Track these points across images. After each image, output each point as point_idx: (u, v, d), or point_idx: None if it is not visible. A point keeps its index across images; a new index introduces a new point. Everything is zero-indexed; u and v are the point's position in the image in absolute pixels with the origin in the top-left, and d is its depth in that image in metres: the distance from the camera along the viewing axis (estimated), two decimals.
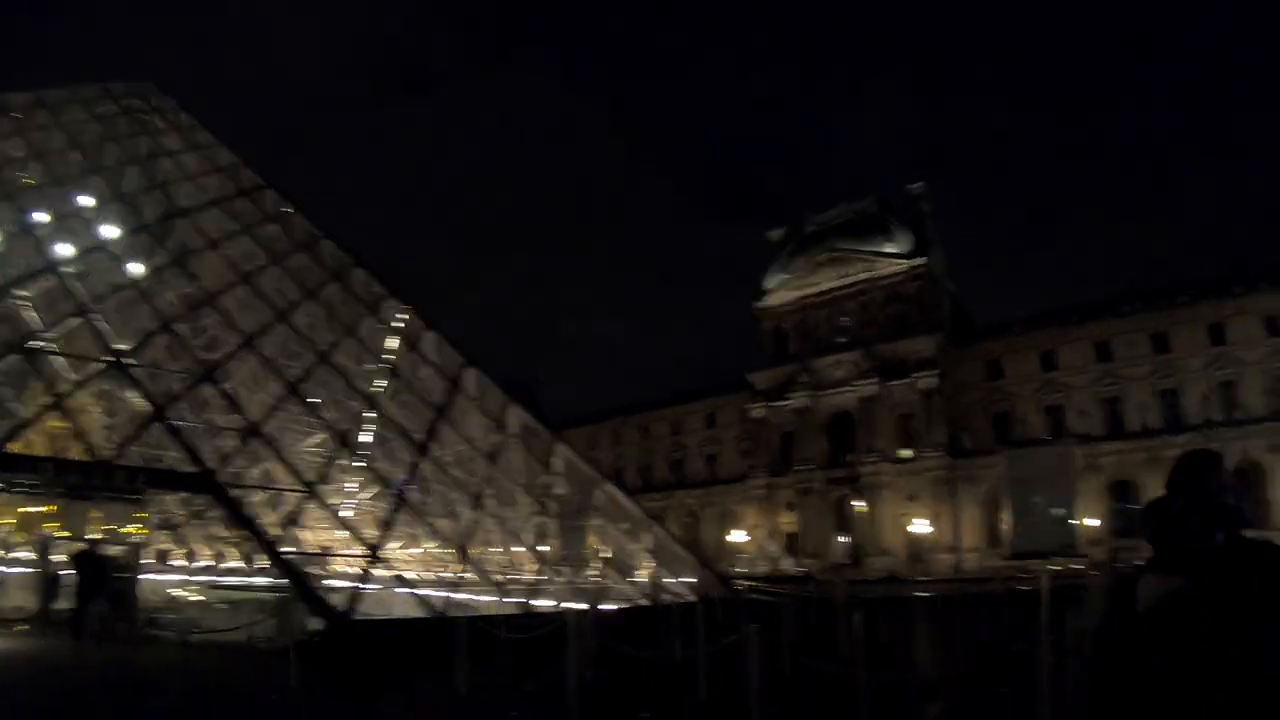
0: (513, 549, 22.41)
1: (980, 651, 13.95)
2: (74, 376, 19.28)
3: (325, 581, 18.08)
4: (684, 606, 18.27)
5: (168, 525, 25.07)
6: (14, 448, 16.50)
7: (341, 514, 20.01)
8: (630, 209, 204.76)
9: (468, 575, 19.04)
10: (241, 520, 17.74)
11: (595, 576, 22.83)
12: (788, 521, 64.67)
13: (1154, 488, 49.73)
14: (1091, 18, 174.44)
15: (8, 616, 18.01)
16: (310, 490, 18.50)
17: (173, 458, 18.25)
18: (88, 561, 16.28)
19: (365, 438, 22.83)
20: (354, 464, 21.55)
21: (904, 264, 63.54)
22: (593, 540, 25.14)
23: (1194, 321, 52.21)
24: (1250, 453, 46.66)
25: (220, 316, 22.55)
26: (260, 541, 17.24)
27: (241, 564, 23.64)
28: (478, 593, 18.84)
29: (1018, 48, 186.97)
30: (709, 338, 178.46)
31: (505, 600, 18.39)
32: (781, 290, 69.10)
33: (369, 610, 15.60)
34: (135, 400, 18.79)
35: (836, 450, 63.58)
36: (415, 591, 17.03)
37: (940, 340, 60.84)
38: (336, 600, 15.53)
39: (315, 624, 14.83)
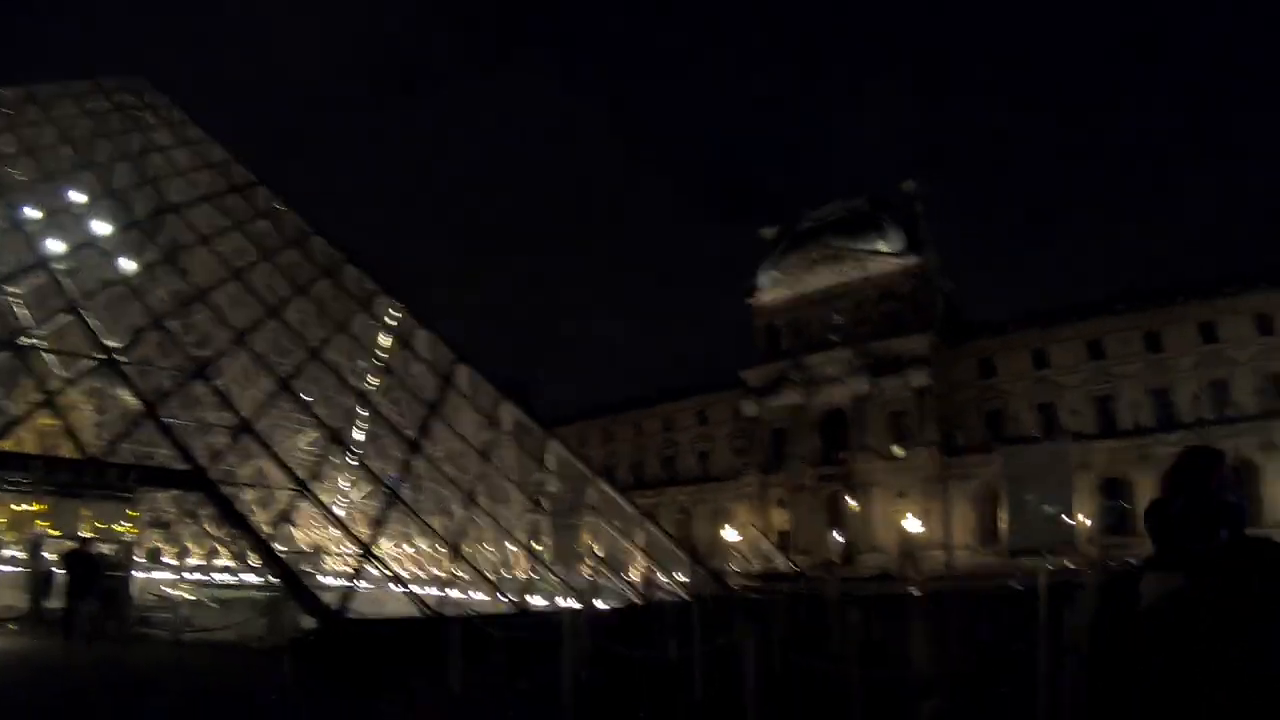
0: (506, 546, 22.38)
1: (974, 649, 13.96)
2: (65, 373, 19.17)
3: (318, 580, 18.05)
4: (678, 605, 18.27)
5: (159, 523, 24.98)
6: (4, 445, 16.39)
7: (334, 512, 19.96)
8: (630, 209, 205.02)
9: (461, 573, 19.00)
10: (233, 518, 17.66)
11: (588, 574, 22.80)
12: (780, 519, 64.73)
13: (1145, 485, 50.17)
14: (1091, 18, 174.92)
15: None
16: (302, 488, 18.43)
17: (164, 455, 18.15)
18: (78, 560, 16.19)
19: (357, 435, 22.79)
20: (346, 461, 21.49)
21: (897, 262, 63.60)
22: (586, 538, 25.12)
23: (1186, 320, 52.37)
24: (1242, 451, 46.78)
25: (212, 313, 22.46)
26: (252, 539, 17.16)
27: (233, 562, 23.57)
28: (471, 591, 18.81)
29: (1018, 48, 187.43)
30: (709, 338, 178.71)
31: (499, 598, 18.36)
32: (774, 287, 69.11)
33: (362, 609, 15.54)
34: (126, 397, 18.69)
35: (829, 447, 63.63)
36: (408, 590, 16.99)
37: (933, 338, 60.89)
38: (329, 599, 15.48)
39: (308, 623, 14.77)
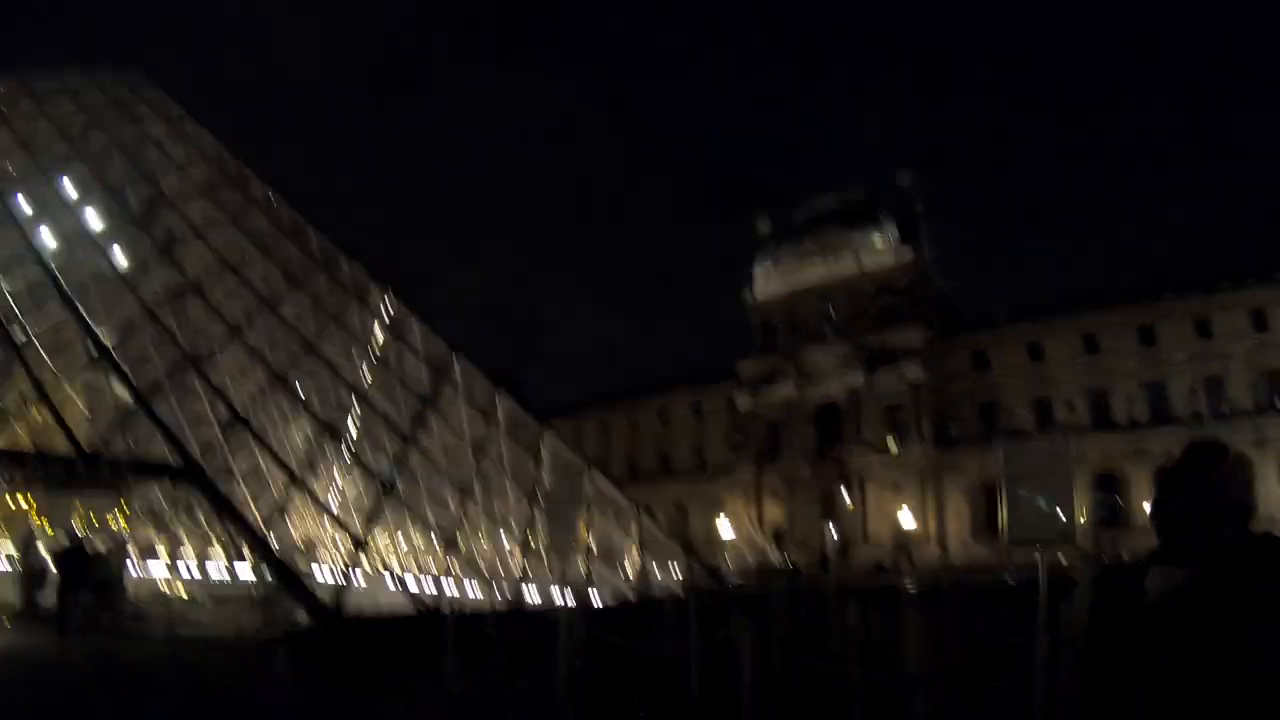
0: (501, 540, 22.35)
1: (972, 644, 13.96)
2: (58, 367, 19.07)
3: (313, 574, 18.01)
4: (674, 599, 18.25)
5: (153, 517, 24.89)
6: None
7: (328, 506, 19.91)
8: (629, 208, 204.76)
9: (455, 567, 18.98)
10: (228, 512, 17.60)
11: (584, 568, 22.79)
12: (775, 513, 64.79)
13: (1140, 480, 50.33)
14: (1091, 18, 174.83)
15: None
16: (297, 482, 18.38)
17: (158, 450, 18.08)
18: (72, 555, 16.12)
19: (352, 428, 22.72)
20: (341, 455, 21.44)
21: (892, 255, 63.65)
22: (581, 531, 25.09)
23: (1181, 315, 52.51)
24: (1236, 446, 46.84)
25: (206, 306, 22.35)
26: (247, 534, 17.11)
27: (227, 557, 23.51)
28: (466, 585, 18.79)
29: (1018, 48, 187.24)
30: (708, 337, 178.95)
31: (493, 593, 18.34)
32: (769, 280, 69.10)
33: (357, 603, 15.51)
34: (120, 391, 18.60)
35: (823, 441, 63.69)
36: (403, 584, 16.97)
37: (928, 331, 60.96)
38: (324, 594, 15.45)
39: (302, 617, 14.74)
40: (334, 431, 21.25)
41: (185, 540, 26.97)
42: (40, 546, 19.04)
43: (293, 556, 18.08)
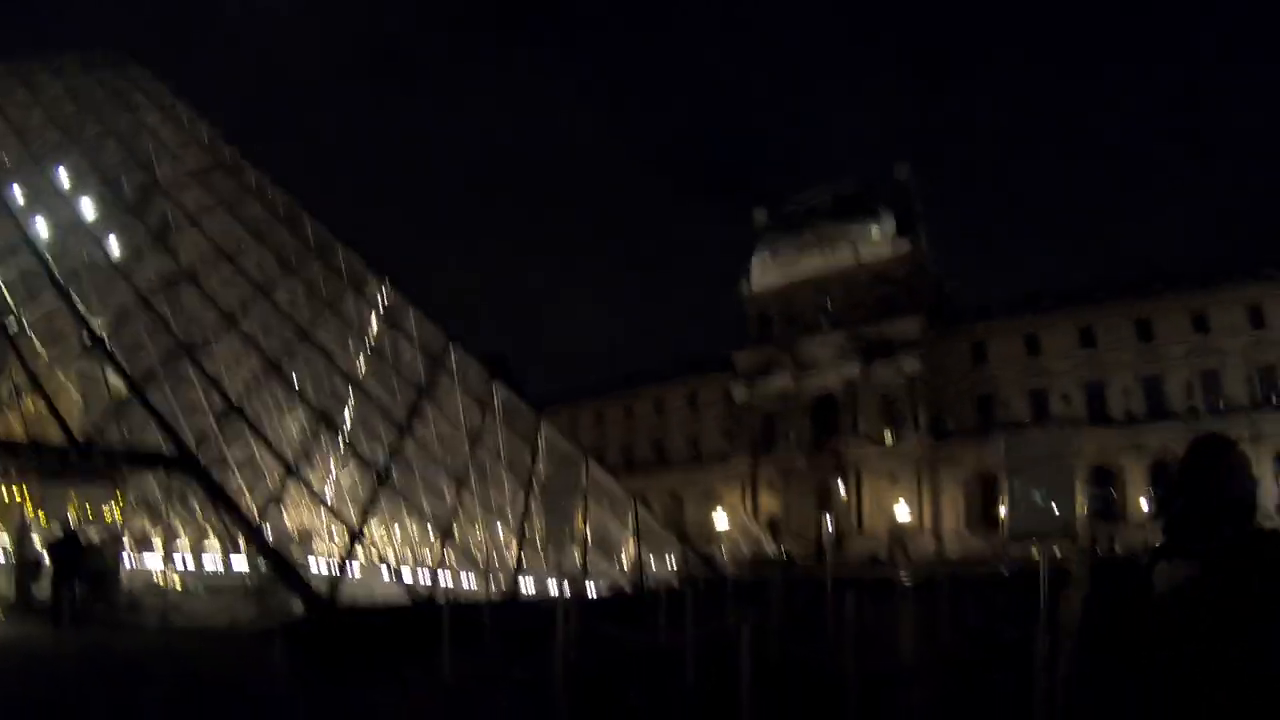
0: (497, 530, 22.32)
1: (968, 636, 14.00)
2: (51, 356, 18.97)
3: (308, 564, 17.97)
4: (670, 590, 18.25)
5: (147, 507, 24.82)
6: None
7: (324, 495, 19.86)
8: (630, 208, 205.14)
9: (451, 557, 18.94)
10: (222, 502, 17.53)
11: (579, 559, 22.78)
12: (770, 504, 64.86)
13: (1135, 474, 50.41)
14: (1091, 18, 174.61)
15: None
16: (292, 471, 18.32)
17: (152, 439, 18.00)
18: (66, 545, 16.07)
19: (347, 417, 22.64)
20: (337, 444, 21.37)
21: (889, 246, 63.62)
22: (577, 522, 25.08)
23: (1178, 309, 52.55)
24: None
25: (200, 294, 22.23)
26: (242, 523, 17.05)
27: (222, 547, 23.45)
28: (462, 575, 18.77)
29: (1018, 48, 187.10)
30: (708, 337, 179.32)
31: (489, 583, 18.32)
32: (766, 271, 69.05)
33: (352, 593, 15.48)
34: (114, 380, 18.51)
35: (819, 432, 63.74)
36: (399, 575, 16.93)
37: (924, 323, 60.94)
38: (319, 584, 15.40)
39: (297, 608, 14.70)
40: (329, 421, 21.18)
41: (180, 530, 26.93)
42: (34, 537, 18.98)
43: (288, 547, 18.06)
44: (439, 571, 18.46)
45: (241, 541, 18.80)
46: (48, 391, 17.46)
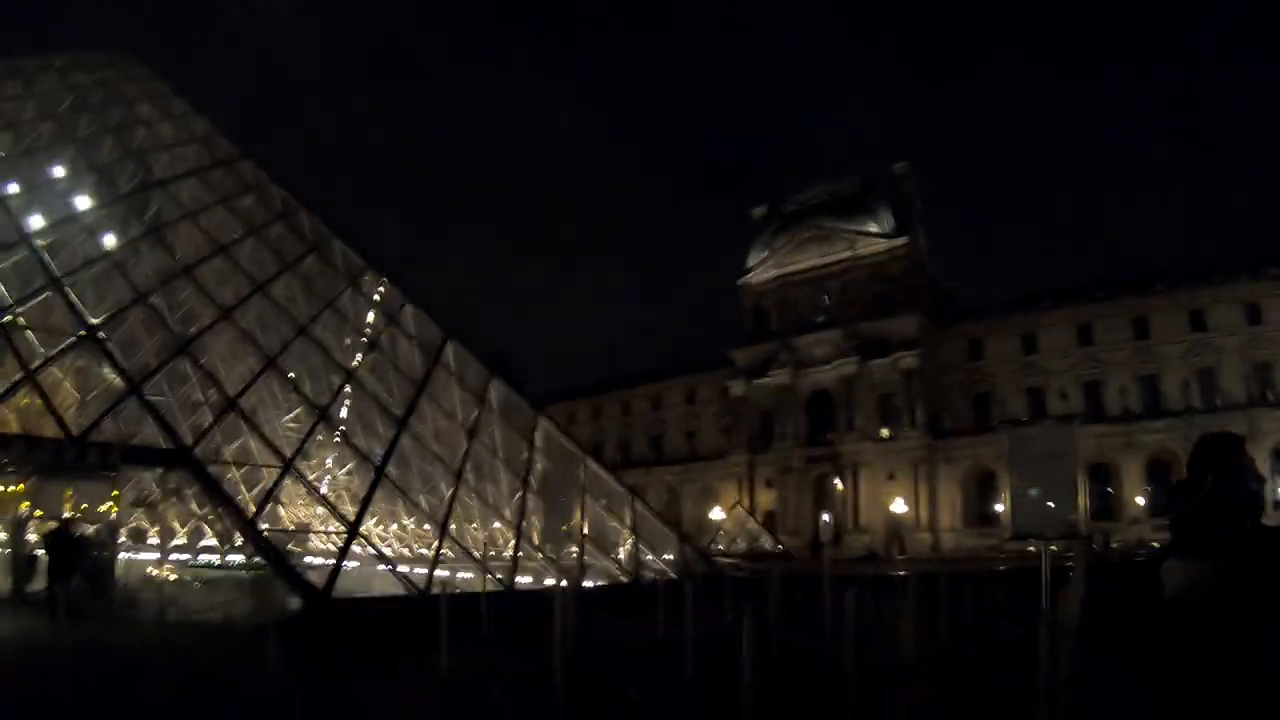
0: (494, 525, 22.28)
1: (966, 631, 14.00)
2: (47, 351, 18.90)
3: (304, 559, 17.92)
4: (668, 584, 18.24)
5: (144, 503, 24.78)
6: None
7: (320, 490, 19.81)
8: (630, 208, 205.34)
9: (448, 552, 18.90)
10: (219, 497, 17.49)
11: (577, 553, 22.75)
12: (767, 499, 64.96)
13: (1132, 471, 50.44)
14: (1091, 18, 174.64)
15: None
16: (289, 466, 18.27)
17: (148, 434, 17.96)
18: (61, 540, 16.02)
19: (344, 412, 22.59)
20: (333, 439, 21.33)
21: (886, 243, 63.67)
22: (575, 516, 25.05)
23: (1175, 307, 52.70)
24: None
25: (197, 289, 22.15)
26: (238, 518, 17.01)
27: (219, 541, 23.43)
28: (459, 570, 18.72)
29: (1018, 48, 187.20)
30: (709, 336, 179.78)
31: (487, 577, 18.28)
32: (763, 267, 69.11)
33: (349, 588, 15.44)
34: (110, 375, 18.45)
35: (817, 428, 63.85)
36: (396, 569, 16.88)
37: (922, 320, 61.04)
38: (315, 578, 15.36)
39: (294, 602, 14.66)
40: (326, 415, 21.12)
41: (176, 525, 26.87)
42: (30, 532, 18.93)
43: (284, 540, 18.00)
44: (436, 567, 18.43)
45: (237, 535, 18.77)
46: (44, 386, 17.40)
